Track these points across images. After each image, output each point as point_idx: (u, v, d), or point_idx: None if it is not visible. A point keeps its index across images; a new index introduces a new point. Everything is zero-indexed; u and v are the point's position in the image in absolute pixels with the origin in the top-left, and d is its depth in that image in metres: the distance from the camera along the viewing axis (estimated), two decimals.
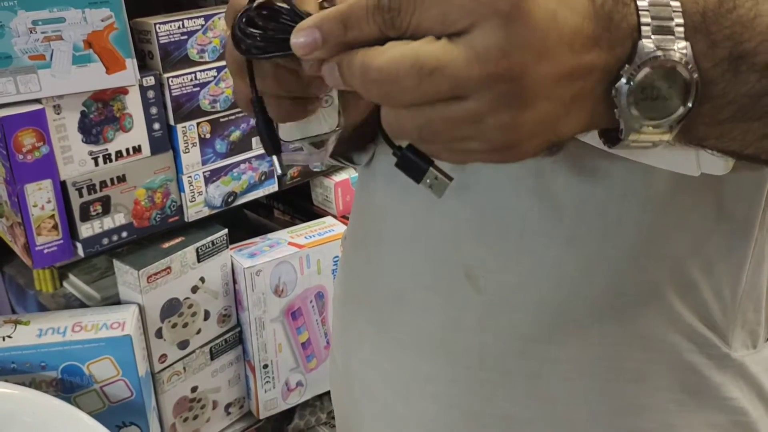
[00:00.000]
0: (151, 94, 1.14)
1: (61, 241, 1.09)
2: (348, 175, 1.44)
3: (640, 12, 0.35)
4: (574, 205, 0.51)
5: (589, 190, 0.50)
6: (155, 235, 1.20)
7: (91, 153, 1.09)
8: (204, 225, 1.25)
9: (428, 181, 0.38)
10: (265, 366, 1.32)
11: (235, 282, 1.28)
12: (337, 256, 1.34)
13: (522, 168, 0.51)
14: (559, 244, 0.52)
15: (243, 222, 1.54)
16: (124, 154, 1.13)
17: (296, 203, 1.51)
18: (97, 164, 1.10)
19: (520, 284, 0.54)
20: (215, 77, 1.20)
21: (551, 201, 0.51)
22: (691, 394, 0.55)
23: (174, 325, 1.21)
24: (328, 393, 1.45)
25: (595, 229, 0.51)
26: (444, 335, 0.58)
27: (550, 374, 0.55)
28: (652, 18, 0.35)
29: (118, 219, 1.14)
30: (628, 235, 0.51)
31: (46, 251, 1.08)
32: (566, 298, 0.53)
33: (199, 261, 1.22)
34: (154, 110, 1.14)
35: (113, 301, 1.20)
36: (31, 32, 0.99)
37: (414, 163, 0.38)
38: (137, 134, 1.13)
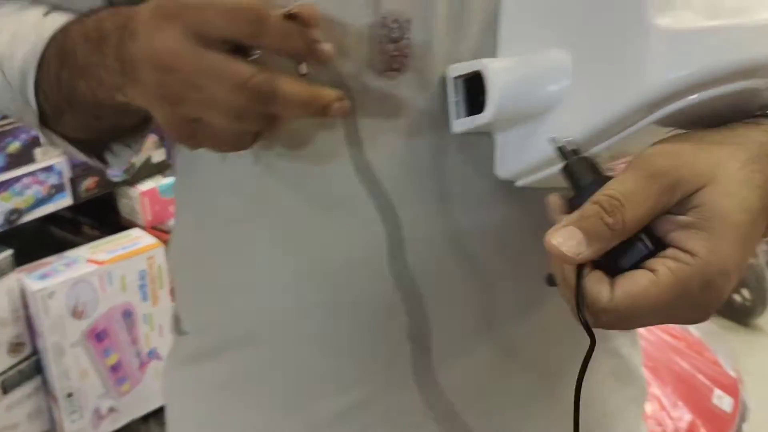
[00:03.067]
0: None
1: None
2: (156, 183, 1.36)
3: None
4: None
5: None
6: None
7: None
8: None
9: None
10: (69, 395, 1.22)
11: (26, 307, 1.18)
12: (144, 270, 1.25)
13: None
14: None
15: (47, 239, 1.42)
16: None
17: (103, 216, 1.41)
18: None
19: None
20: None
21: None
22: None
23: None
24: (152, 414, 1.36)
25: None
26: None
27: None
28: None
29: None
30: None
31: None
32: None
33: None
34: None
35: None
36: None
37: None
38: None
